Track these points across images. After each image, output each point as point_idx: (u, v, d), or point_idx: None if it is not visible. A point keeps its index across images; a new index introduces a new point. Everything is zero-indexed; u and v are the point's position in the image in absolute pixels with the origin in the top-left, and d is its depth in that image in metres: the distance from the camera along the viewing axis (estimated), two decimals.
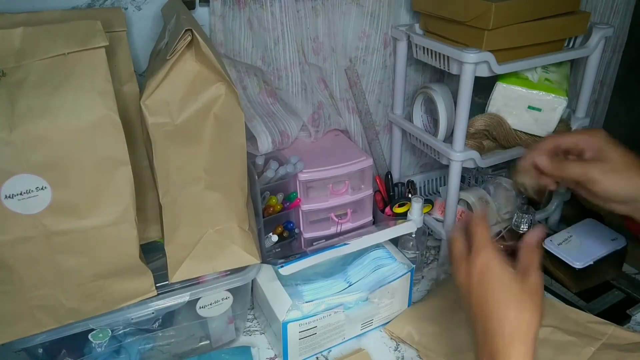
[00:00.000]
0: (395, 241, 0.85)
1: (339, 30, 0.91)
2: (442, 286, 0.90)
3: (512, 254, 0.65)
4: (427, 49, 0.86)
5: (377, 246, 0.81)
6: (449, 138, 0.87)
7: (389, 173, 1.04)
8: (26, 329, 0.60)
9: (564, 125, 0.89)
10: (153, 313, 0.67)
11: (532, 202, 1.02)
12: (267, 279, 0.76)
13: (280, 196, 0.87)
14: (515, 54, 0.81)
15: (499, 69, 0.79)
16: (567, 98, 0.84)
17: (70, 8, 0.72)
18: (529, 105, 0.85)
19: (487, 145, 0.89)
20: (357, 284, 0.76)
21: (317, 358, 0.77)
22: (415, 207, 0.86)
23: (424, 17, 0.91)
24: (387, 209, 0.98)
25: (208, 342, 0.78)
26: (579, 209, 1.14)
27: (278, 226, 0.89)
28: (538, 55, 0.83)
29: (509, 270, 0.54)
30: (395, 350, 0.79)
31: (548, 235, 0.94)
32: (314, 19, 0.87)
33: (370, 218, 0.97)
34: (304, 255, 0.76)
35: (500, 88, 0.86)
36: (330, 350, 0.78)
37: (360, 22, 0.93)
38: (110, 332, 0.67)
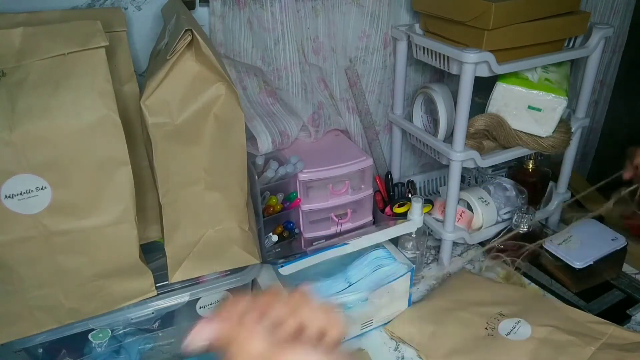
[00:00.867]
0: (395, 241, 0.85)
1: (339, 30, 0.91)
2: (442, 286, 0.90)
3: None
4: (427, 49, 0.86)
5: (377, 246, 0.81)
6: (449, 138, 0.87)
7: (389, 173, 1.04)
8: (26, 329, 0.60)
9: (564, 125, 0.89)
10: (153, 313, 0.67)
11: (533, 202, 1.02)
12: (267, 279, 0.76)
13: (280, 196, 0.87)
14: (515, 54, 0.81)
15: (499, 69, 0.79)
16: (567, 98, 0.84)
17: (70, 8, 0.72)
18: (529, 105, 0.85)
19: (487, 145, 0.89)
20: (357, 284, 0.76)
21: None
22: (415, 207, 0.86)
23: (424, 17, 0.91)
24: (387, 209, 0.98)
25: None
26: (579, 208, 1.14)
27: (278, 226, 0.89)
28: (538, 55, 0.83)
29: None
30: (395, 350, 0.79)
31: (547, 235, 0.94)
32: (314, 19, 0.87)
33: (370, 218, 0.97)
34: (304, 255, 0.76)
35: (500, 88, 0.86)
36: None
37: (360, 22, 0.93)
38: (110, 332, 0.67)
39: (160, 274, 0.67)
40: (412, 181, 1.05)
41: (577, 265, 0.86)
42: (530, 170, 1.03)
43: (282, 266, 0.73)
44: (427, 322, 0.80)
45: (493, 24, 0.75)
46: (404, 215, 0.91)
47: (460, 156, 0.85)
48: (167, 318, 0.72)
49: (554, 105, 0.84)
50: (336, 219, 0.92)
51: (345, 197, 0.91)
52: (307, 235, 0.92)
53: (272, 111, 0.92)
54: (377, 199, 1.01)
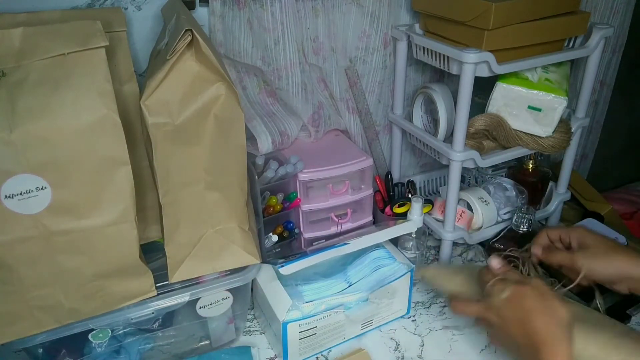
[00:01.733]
0: (395, 241, 0.85)
1: (339, 30, 0.91)
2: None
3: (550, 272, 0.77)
4: (427, 49, 0.86)
5: (377, 246, 0.81)
6: (449, 138, 0.87)
7: (389, 173, 1.04)
8: (26, 329, 0.60)
9: (564, 125, 0.89)
10: (153, 313, 0.67)
11: (533, 202, 1.02)
12: (267, 279, 0.76)
13: (280, 196, 0.87)
14: (515, 54, 0.81)
15: (499, 69, 0.79)
16: (567, 98, 0.84)
17: (70, 8, 0.72)
18: (529, 105, 0.85)
19: (487, 145, 0.89)
20: (357, 284, 0.76)
21: (317, 358, 0.77)
22: (415, 207, 0.86)
23: (424, 17, 0.91)
24: (387, 209, 0.98)
25: (208, 342, 0.78)
26: (579, 208, 1.14)
27: (278, 226, 0.89)
28: (538, 55, 0.83)
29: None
30: (395, 350, 0.79)
31: None
32: (314, 19, 0.87)
33: (370, 218, 0.97)
34: (304, 255, 0.76)
35: (500, 88, 0.86)
36: (330, 350, 0.78)
37: (360, 22, 0.93)
38: (110, 332, 0.67)
39: (160, 274, 0.67)
40: (412, 181, 1.05)
41: None
42: (530, 170, 1.03)
43: (282, 266, 0.73)
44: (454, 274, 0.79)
45: (493, 24, 0.75)
46: (404, 215, 0.91)
47: (460, 156, 0.85)
48: (167, 318, 0.72)
49: (554, 105, 0.84)
50: (336, 219, 0.92)
51: (345, 197, 0.91)
52: (307, 235, 0.92)
53: (272, 111, 0.92)
54: (377, 199, 1.01)
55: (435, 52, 0.84)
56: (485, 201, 0.97)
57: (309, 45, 0.88)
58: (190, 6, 0.78)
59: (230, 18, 0.81)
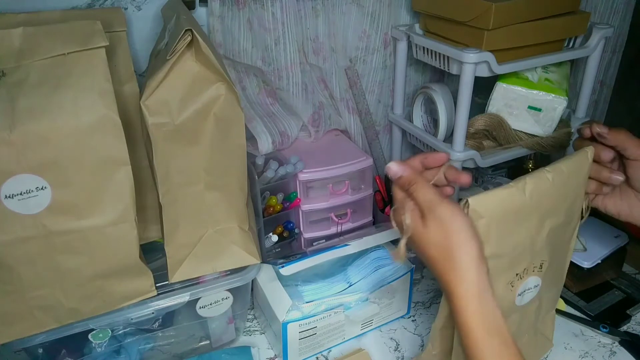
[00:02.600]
0: (395, 241, 0.85)
1: (339, 30, 0.91)
2: None
3: None
4: (427, 49, 0.86)
5: (377, 246, 0.81)
6: (449, 138, 0.87)
7: None
8: (26, 329, 0.60)
9: (564, 125, 0.89)
10: (153, 313, 0.67)
11: None
12: (267, 279, 0.76)
13: (280, 196, 0.87)
14: (515, 54, 0.81)
15: (499, 69, 0.79)
16: (567, 98, 0.84)
17: (70, 8, 0.72)
18: (529, 105, 0.85)
19: (487, 145, 0.89)
20: (358, 284, 0.76)
21: (317, 358, 0.77)
22: None
23: (424, 17, 0.91)
24: (387, 209, 0.98)
25: (208, 342, 0.78)
26: None
27: (278, 226, 0.89)
28: (538, 55, 0.83)
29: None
30: (395, 350, 0.79)
31: None
32: (314, 19, 0.87)
33: (370, 218, 0.97)
34: (304, 255, 0.76)
35: (500, 88, 0.86)
36: (330, 350, 0.78)
37: (360, 22, 0.93)
38: (110, 332, 0.67)
39: (160, 274, 0.67)
40: None
41: (586, 265, 0.86)
42: (530, 170, 1.03)
43: (282, 266, 0.73)
44: None
45: (493, 24, 0.75)
46: None
47: (460, 156, 0.85)
48: (167, 318, 0.72)
49: (554, 105, 0.84)
50: (336, 219, 0.92)
51: (345, 197, 0.91)
52: (307, 235, 0.92)
53: (271, 111, 0.92)
54: (377, 199, 1.00)
55: (435, 52, 0.84)
56: None
57: (309, 45, 0.88)
58: (190, 6, 0.78)
59: (230, 18, 0.81)
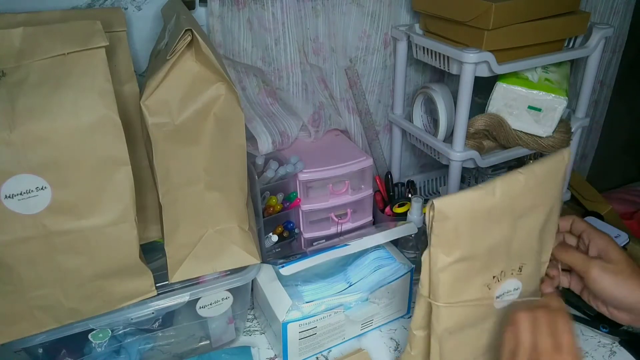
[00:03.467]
0: (395, 241, 0.85)
1: (339, 30, 0.91)
2: None
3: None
4: (427, 49, 0.86)
5: (377, 246, 0.81)
6: (449, 138, 0.87)
7: (389, 173, 1.04)
8: (26, 329, 0.60)
9: (564, 125, 0.89)
10: (153, 313, 0.67)
11: None
12: (267, 279, 0.76)
13: (280, 196, 0.87)
14: (515, 54, 0.81)
15: (499, 69, 0.79)
16: (567, 98, 0.84)
17: (70, 8, 0.72)
18: (529, 105, 0.85)
19: (487, 145, 0.89)
20: (357, 284, 0.76)
21: (317, 358, 0.77)
22: (415, 207, 0.86)
23: (424, 17, 0.91)
24: (387, 209, 0.98)
25: (208, 342, 0.78)
26: (579, 208, 1.14)
27: (278, 226, 0.89)
28: (538, 55, 0.83)
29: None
30: (395, 350, 0.79)
31: None
32: (314, 19, 0.87)
33: (370, 218, 0.97)
34: (304, 255, 0.76)
35: (500, 88, 0.86)
36: (330, 350, 0.78)
37: (360, 23, 0.93)
38: (110, 332, 0.67)
39: (160, 274, 0.67)
40: (412, 181, 1.05)
41: None
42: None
43: (282, 266, 0.73)
44: None
45: (493, 24, 0.75)
46: (404, 216, 0.91)
47: (460, 156, 0.85)
48: (167, 318, 0.72)
49: (554, 105, 0.84)
50: (336, 219, 0.92)
51: (345, 197, 0.91)
52: (307, 235, 0.92)
53: (271, 111, 0.92)
54: (377, 199, 1.00)
55: (435, 52, 0.84)
56: None
57: (309, 45, 0.88)
58: (190, 6, 0.78)
59: (230, 18, 0.81)
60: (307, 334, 0.73)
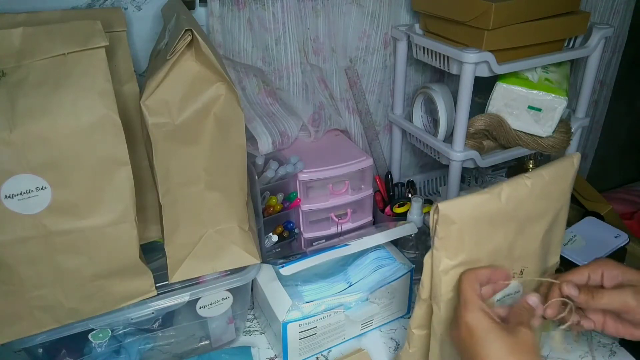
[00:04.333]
0: (395, 241, 0.85)
1: (339, 30, 0.91)
2: None
3: None
4: (427, 49, 0.86)
5: (377, 246, 0.81)
6: (449, 138, 0.87)
7: (389, 173, 1.04)
8: (26, 329, 0.60)
9: (564, 125, 0.89)
10: (153, 313, 0.67)
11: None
12: (267, 279, 0.76)
13: (280, 196, 0.87)
14: (515, 54, 0.81)
15: (499, 69, 0.79)
16: (567, 98, 0.84)
17: (70, 8, 0.72)
18: (529, 105, 0.85)
19: (487, 145, 0.89)
20: (357, 284, 0.76)
21: (317, 358, 0.77)
22: (415, 207, 0.86)
23: (424, 17, 0.91)
24: (387, 209, 0.98)
25: (208, 342, 0.78)
26: (579, 208, 1.15)
27: (278, 226, 0.89)
28: (538, 55, 0.83)
29: (498, 326, 0.50)
30: (395, 350, 0.79)
31: None
32: (315, 20, 0.87)
33: (370, 218, 0.97)
34: (304, 255, 0.76)
35: (500, 88, 0.86)
36: (330, 350, 0.78)
37: (360, 23, 0.93)
38: (110, 332, 0.67)
39: (160, 274, 0.67)
40: (412, 181, 1.05)
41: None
42: (530, 170, 1.03)
43: (282, 266, 0.73)
44: None
45: (493, 24, 0.75)
46: (404, 215, 0.91)
47: (460, 156, 0.85)
48: (167, 318, 0.72)
49: (554, 105, 0.84)
50: (336, 219, 0.92)
51: (345, 197, 0.91)
52: (307, 235, 0.92)
53: (271, 112, 0.92)
54: (377, 199, 1.01)
55: (435, 52, 0.84)
56: None
57: (309, 45, 0.88)
58: (190, 6, 0.78)
59: (230, 19, 0.81)
60: (307, 334, 0.73)
